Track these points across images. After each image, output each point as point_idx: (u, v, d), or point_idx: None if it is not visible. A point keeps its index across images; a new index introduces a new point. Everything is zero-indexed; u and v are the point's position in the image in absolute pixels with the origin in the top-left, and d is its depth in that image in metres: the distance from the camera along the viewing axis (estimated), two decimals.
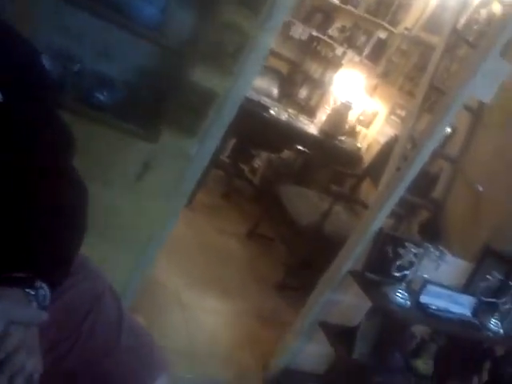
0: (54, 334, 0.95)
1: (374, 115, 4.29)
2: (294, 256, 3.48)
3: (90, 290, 1.08)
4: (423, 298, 2.09)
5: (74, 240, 0.97)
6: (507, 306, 2.24)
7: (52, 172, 0.99)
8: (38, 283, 0.83)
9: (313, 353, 2.40)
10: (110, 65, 1.84)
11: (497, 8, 3.31)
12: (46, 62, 1.60)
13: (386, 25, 4.55)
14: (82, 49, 1.79)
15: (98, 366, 1.00)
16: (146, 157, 1.86)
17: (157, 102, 1.89)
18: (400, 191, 2.15)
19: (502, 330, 2.23)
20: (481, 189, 2.69)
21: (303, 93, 5.47)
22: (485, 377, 2.32)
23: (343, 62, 4.90)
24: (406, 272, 2.03)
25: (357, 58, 4.74)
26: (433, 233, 2.84)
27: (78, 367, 0.99)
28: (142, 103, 1.89)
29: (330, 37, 5.33)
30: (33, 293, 0.82)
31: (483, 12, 3.49)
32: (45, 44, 1.68)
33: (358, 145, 4.31)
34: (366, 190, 3.83)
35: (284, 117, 4.26)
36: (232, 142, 4.52)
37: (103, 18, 1.70)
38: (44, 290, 0.84)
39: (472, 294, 2.24)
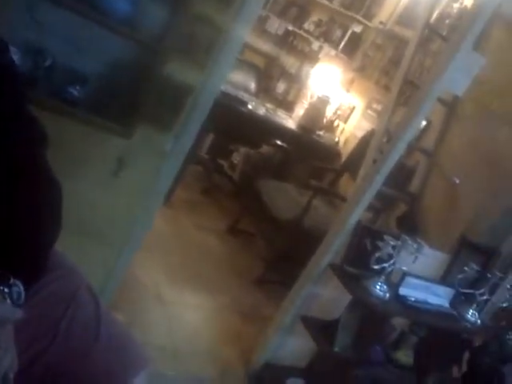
0: (30, 331, 0.93)
1: (351, 110, 4.31)
2: (274, 251, 3.48)
3: (66, 286, 1.06)
4: (402, 290, 2.11)
5: (48, 237, 0.95)
6: (484, 297, 2.27)
7: (23, 169, 0.96)
8: (12, 280, 0.81)
9: (294, 347, 2.40)
10: (82, 59, 1.81)
11: (468, 1, 3.34)
12: (15, 55, 1.57)
13: (361, 18, 4.57)
14: (54, 43, 1.74)
15: (77, 364, 0.99)
16: (120, 153, 1.83)
17: (131, 97, 1.85)
18: (377, 184, 2.16)
19: (479, 321, 2.26)
20: (457, 181, 2.73)
21: (281, 87, 5.47)
22: (464, 367, 2.35)
23: (320, 56, 4.91)
24: (385, 265, 2.04)
25: (333, 52, 4.75)
26: (410, 226, 2.87)
27: (55, 365, 0.97)
28: (116, 98, 1.86)
29: (306, 31, 5.33)
30: (6, 290, 0.80)
31: (455, 6, 3.52)
32: (15, 38, 1.64)
33: (336, 139, 4.33)
34: (345, 184, 3.84)
35: (262, 111, 4.25)
36: (210, 138, 4.50)
37: (75, 12, 1.67)
38: (18, 287, 0.82)
39: (450, 286, 2.26)
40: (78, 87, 1.73)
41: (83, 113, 1.73)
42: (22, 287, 0.83)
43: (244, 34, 1.81)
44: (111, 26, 1.72)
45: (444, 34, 3.41)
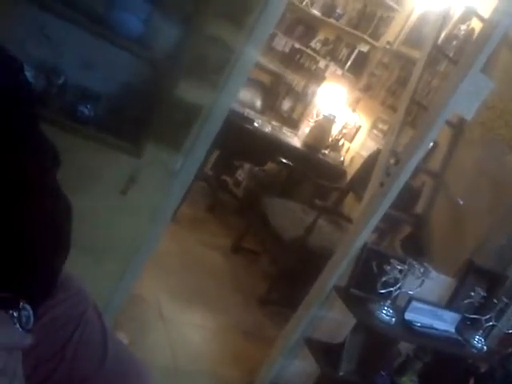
0: (37, 354, 0.93)
1: (357, 129, 4.31)
2: (278, 269, 3.46)
3: (73, 308, 1.06)
4: (408, 315, 2.09)
5: (58, 258, 0.95)
6: (491, 323, 2.25)
7: (35, 188, 0.96)
8: (21, 304, 0.81)
9: (298, 369, 2.37)
10: (94, 78, 1.82)
11: (476, 24, 3.37)
12: (29, 74, 1.58)
13: (368, 38, 4.60)
14: (66, 62, 1.76)
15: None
16: (130, 171, 1.83)
17: (141, 116, 1.86)
18: (384, 207, 2.15)
19: (485, 347, 2.24)
20: (461, 202, 2.72)
21: (286, 105, 5.49)
22: None
23: (326, 74, 4.93)
24: (391, 289, 2.03)
25: (339, 71, 4.78)
26: (415, 248, 2.85)
27: None
28: (127, 117, 1.87)
29: (313, 49, 5.36)
30: (16, 314, 0.79)
31: (463, 28, 3.55)
32: (28, 56, 1.65)
33: (341, 158, 4.33)
34: (350, 204, 3.84)
35: (267, 129, 4.26)
36: (215, 154, 4.50)
37: (88, 31, 1.68)
38: (28, 311, 0.82)
39: (456, 311, 2.24)
40: (89, 105, 1.73)
41: (94, 131, 1.73)
42: (31, 311, 0.82)
43: (255, 55, 1.82)
44: (124, 45, 1.73)
45: (451, 55, 3.43)
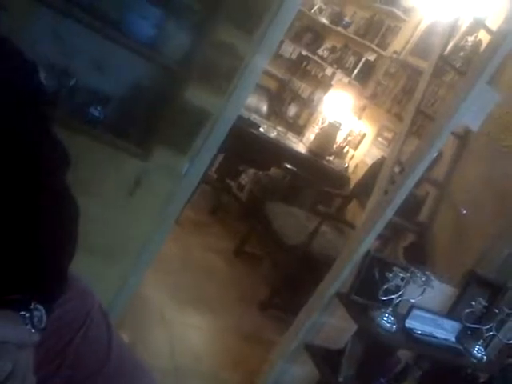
0: (41, 351, 0.93)
1: (362, 136, 4.34)
2: (280, 274, 3.47)
3: (78, 307, 1.06)
4: (409, 323, 2.10)
5: (67, 258, 0.96)
6: (491, 333, 2.26)
7: (45, 188, 0.98)
8: (33, 305, 0.82)
9: (297, 374, 2.38)
10: (104, 80, 1.84)
11: (483, 35, 3.39)
12: (43, 76, 1.60)
13: (375, 47, 4.62)
14: (78, 64, 1.78)
15: (88, 382, 0.99)
16: (137, 174, 1.85)
17: (150, 119, 1.89)
18: (388, 215, 2.17)
19: (485, 357, 2.25)
20: (464, 212, 2.73)
21: (292, 110, 5.52)
22: None
23: (332, 82, 4.96)
24: (393, 296, 2.04)
25: (346, 79, 4.80)
26: (418, 256, 2.86)
27: None
28: (136, 120, 1.89)
29: (320, 57, 5.39)
30: (27, 315, 0.80)
31: (470, 39, 3.57)
32: (40, 58, 1.67)
33: (345, 165, 4.35)
34: (353, 211, 3.85)
35: (273, 134, 4.28)
36: (220, 157, 4.52)
37: (99, 34, 1.70)
38: (40, 311, 0.82)
39: (457, 320, 2.25)
40: (99, 108, 1.76)
41: (103, 133, 1.76)
42: (43, 311, 0.82)
43: (264, 62, 1.84)
44: (133, 48, 1.75)
45: (458, 66, 3.45)
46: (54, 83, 1.68)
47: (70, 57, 1.78)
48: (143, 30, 1.74)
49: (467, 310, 2.25)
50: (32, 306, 0.81)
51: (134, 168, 1.84)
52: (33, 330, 0.80)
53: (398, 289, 2.04)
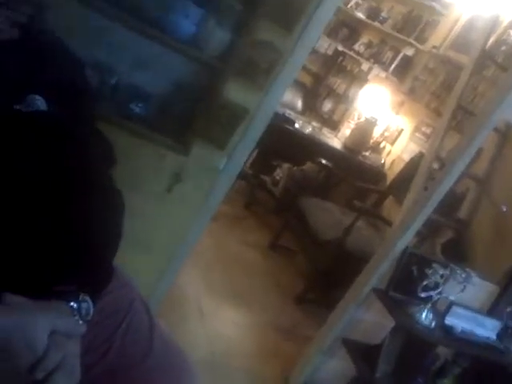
0: (85, 341, 0.96)
1: (399, 132, 4.28)
2: (315, 269, 3.47)
3: (121, 298, 1.09)
4: (448, 320, 2.08)
5: (113, 251, 0.99)
6: None
7: (96, 185, 1.01)
8: (81, 296, 0.84)
9: (334, 369, 2.39)
10: (145, 77, 1.88)
11: None
12: (89, 74, 1.65)
13: (413, 42, 4.55)
14: (120, 62, 1.82)
15: (131, 372, 1.01)
16: (176, 169, 1.89)
17: (189, 115, 1.91)
18: (427, 211, 2.14)
19: None
20: (505, 209, 2.67)
21: (327, 106, 5.48)
22: None
23: (369, 77, 4.91)
24: (432, 293, 2.02)
25: (383, 74, 4.74)
26: (457, 253, 2.82)
27: (108, 374, 1.00)
28: (175, 116, 1.92)
29: (356, 52, 5.34)
30: (76, 306, 0.82)
31: None
32: (85, 56, 1.71)
33: (382, 161, 4.30)
34: (389, 207, 3.81)
35: (308, 130, 4.27)
36: (254, 153, 4.54)
37: (140, 32, 1.74)
38: (87, 302, 0.84)
39: (498, 318, 2.21)
40: (140, 104, 1.80)
41: (144, 129, 1.79)
42: (90, 302, 0.85)
43: (303, 59, 1.84)
44: (174, 46, 1.78)
45: (499, 60, 3.36)
46: (96, 81, 1.72)
47: (113, 56, 1.82)
48: (185, 28, 1.76)
49: (509, 309, 2.21)
50: (81, 298, 0.84)
51: (173, 163, 1.87)
52: (80, 322, 0.83)
53: (437, 285, 2.02)
